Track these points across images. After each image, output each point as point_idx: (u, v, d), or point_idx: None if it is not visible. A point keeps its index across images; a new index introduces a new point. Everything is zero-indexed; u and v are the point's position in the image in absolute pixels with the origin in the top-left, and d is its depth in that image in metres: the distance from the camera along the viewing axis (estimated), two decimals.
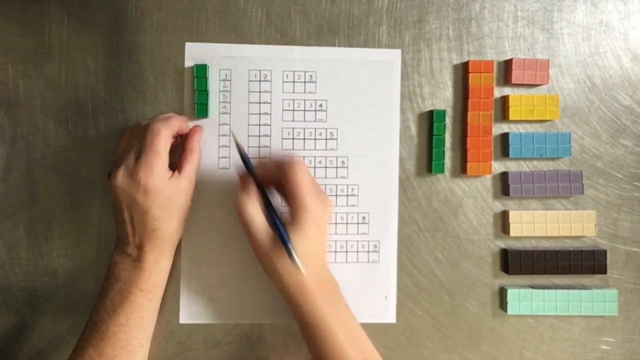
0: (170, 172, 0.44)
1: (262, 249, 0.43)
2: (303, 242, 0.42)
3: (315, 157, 0.51)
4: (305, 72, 0.50)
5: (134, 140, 0.44)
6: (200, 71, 0.49)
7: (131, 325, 0.43)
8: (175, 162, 0.46)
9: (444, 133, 0.51)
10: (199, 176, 0.49)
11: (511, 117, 0.51)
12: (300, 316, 0.44)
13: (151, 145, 0.42)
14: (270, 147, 0.50)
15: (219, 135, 0.50)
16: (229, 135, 0.50)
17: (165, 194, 0.43)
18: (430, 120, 0.51)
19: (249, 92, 0.50)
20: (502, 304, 0.52)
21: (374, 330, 0.51)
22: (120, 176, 0.42)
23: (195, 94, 0.49)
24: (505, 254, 0.51)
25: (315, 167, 0.51)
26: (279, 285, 0.44)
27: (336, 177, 0.51)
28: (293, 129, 0.50)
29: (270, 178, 0.45)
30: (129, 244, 0.45)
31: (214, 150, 0.50)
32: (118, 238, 0.46)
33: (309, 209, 0.42)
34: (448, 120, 0.52)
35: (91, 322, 0.43)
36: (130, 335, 0.43)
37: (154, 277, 0.45)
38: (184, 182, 0.45)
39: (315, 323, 0.43)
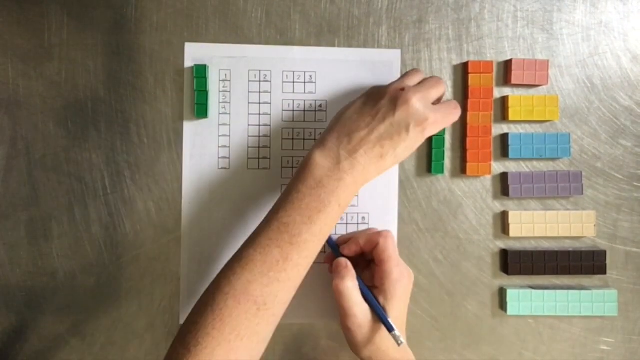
0: None
1: (361, 329, 0.43)
2: (394, 316, 0.43)
3: None
4: (305, 72, 0.50)
5: (437, 84, 0.45)
6: (200, 71, 0.49)
7: (321, 238, 0.41)
8: None
9: (444, 133, 0.51)
10: (199, 176, 0.49)
11: (511, 117, 0.51)
12: None
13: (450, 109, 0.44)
14: (270, 147, 0.50)
15: (219, 136, 0.50)
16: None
17: (419, 143, 0.43)
18: None
19: (249, 92, 0.50)
20: (502, 304, 0.52)
21: None
22: (421, 99, 0.42)
23: (195, 94, 0.49)
24: (505, 254, 0.51)
25: None
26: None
27: None
28: (293, 129, 0.50)
29: (356, 254, 0.46)
30: (344, 152, 0.41)
31: (214, 151, 0.50)
32: (330, 141, 0.42)
33: (400, 281, 0.44)
34: None
35: (277, 222, 0.40)
36: (317, 248, 0.41)
37: (351, 196, 0.42)
38: None
39: None
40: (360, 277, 0.45)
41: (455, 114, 0.45)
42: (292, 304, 0.50)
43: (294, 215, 0.40)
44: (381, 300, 0.44)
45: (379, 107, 0.42)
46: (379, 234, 0.45)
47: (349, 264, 0.45)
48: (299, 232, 0.39)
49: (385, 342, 0.43)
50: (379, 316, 0.43)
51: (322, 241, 0.41)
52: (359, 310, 0.43)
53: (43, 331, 0.49)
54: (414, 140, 0.42)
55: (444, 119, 0.44)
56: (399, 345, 0.42)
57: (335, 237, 0.48)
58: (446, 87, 0.50)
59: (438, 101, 0.46)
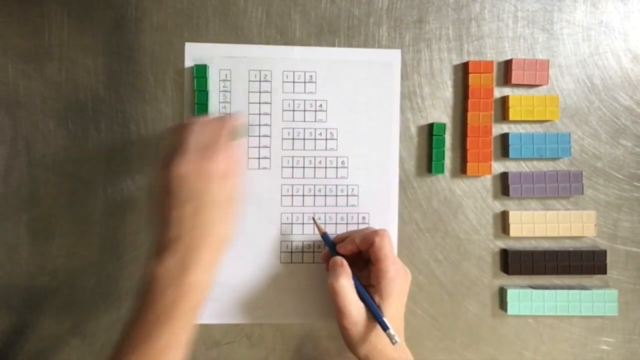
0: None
1: (355, 328, 0.43)
2: (390, 315, 0.43)
3: (315, 157, 0.51)
4: (305, 72, 0.50)
5: (203, 130, 0.41)
6: (200, 71, 0.49)
7: (167, 354, 0.37)
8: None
9: (444, 133, 0.51)
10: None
11: (511, 117, 0.51)
12: None
13: (229, 135, 0.40)
14: (270, 147, 0.50)
15: (313, 224, 0.50)
16: (311, 222, 0.50)
17: (235, 186, 0.40)
18: (431, 123, 0.51)
19: (249, 92, 0.50)
20: (502, 304, 0.52)
21: None
22: (189, 163, 0.38)
23: (195, 94, 0.49)
24: (505, 254, 0.51)
25: (315, 167, 0.51)
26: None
27: (336, 177, 0.51)
28: (293, 129, 0.50)
29: (351, 253, 0.46)
30: (175, 252, 0.38)
31: None
32: (160, 247, 0.38)
33: (396, 279, 0.43)
34: (448, 121, 0.52)
35: (122, 343, 0.37)
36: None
37: (201, 295, 0.39)
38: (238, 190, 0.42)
39: None
40: (356, 276, 0.45)
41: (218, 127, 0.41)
42: (292, 304, 0.50)
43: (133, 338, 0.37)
44: (377, 299, 0.44)
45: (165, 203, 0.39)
46: (375, 232, 0.45)
47: (345, 262, 0.45)
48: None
49: (381, 340, 0.43)
50: (374, 315, 0.43)
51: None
52: (354, 308, 0.43)
53: (43, 331, 0.49)
54: (219, 193, 0.39)
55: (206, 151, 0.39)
56: (393, 343, 0.41)
57: (332, 236, 0.48)
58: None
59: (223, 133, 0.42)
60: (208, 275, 0.39)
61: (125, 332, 0.37)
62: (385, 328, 0.42)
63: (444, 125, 0.51)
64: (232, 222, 0.40)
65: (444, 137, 0.51)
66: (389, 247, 0.44)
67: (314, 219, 0.50)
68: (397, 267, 0.44)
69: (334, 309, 0.44)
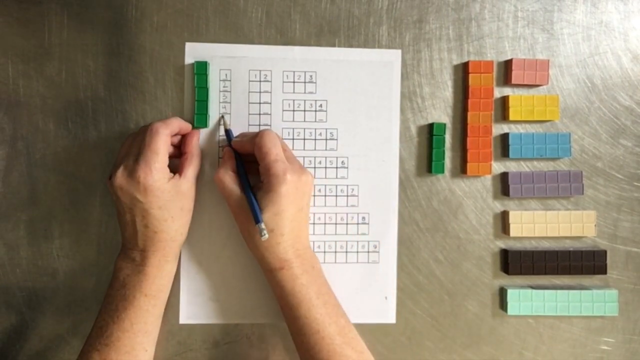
0: (171, 174, 0.44)
1: (239, 216, 0.45)
2: (273, 210, 0.42)
3: (315, 157, 0.51)
4: (305, 72, 0.50)
5: (134, 143, 0.45)
6: (201, 68, 0.49)
7: (135, 331, 0.43)
8: (177, 167, 0.46)
9: (444, 133, 0.51)
10: (200, 175, 0.49)
11: (511, 117, 0.51)
12: (280, 293, 0.45)
13: (149, 144, 0.42)
14: None
15: (219, 136, 0.50)
16: (220, 119, 0.50)
17: (165, 194, 0.43)
18: (431, 123, 0.51)
19: (249, 92, 0.50)
20: (502, 304, 0.52)
21: (374, 330, 0.51)
22: (120, 176, 0.42)
23: (195, 91, 0.49)
24: (505, 254, 0.51)
25: (315, 167, 0.51)
26: (260, 261, 0.45)
27: (336, 177, 0.51)
28: (293, 129, 0.50)
29: (248, 151, 0.46)
30: (132, 248, 0.45)
31: (214, 150, 0.50)
32: (122, 242, 0.46)
33: (279, 176, 0.42)
34: (448, 121, 0.52)
35: (96, 327, 0.43)
36: (134, 341, 0.43)
37: (158, 281, 0.44)
38: (185, 183, 0.45)
39: (295, 301, 0.44)
40: (245, 170, 0.46)
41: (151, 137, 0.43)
42: None
43: (106, 318, 0.43)
44: (259, 195, 0.43)
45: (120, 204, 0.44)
46: (257, 132, 0.45)
47: (231, 154, 0.47)
48: (110, 332, 0.42)
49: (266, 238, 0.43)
50: (250, 206, 0.43)
51: (139, 332, 0.43)
52: (234, 199, 0.44)
53: (43, 331, 0.49)
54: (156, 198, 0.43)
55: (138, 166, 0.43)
56: (261, 237, 0.42)
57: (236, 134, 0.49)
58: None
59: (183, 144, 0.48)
60: (165, 265, 0.45)
61: (97, 317, 0.44)
62: (257, 221, 0.42)
63: (444, 125, 0.51)
64: (173, 222, 0.44)
65: (444, 137, 0.51)
66: (270, 145, 0.43)
67: (222, 115, 0.50)
68: (284, 165, 0.43)
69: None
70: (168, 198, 0.43)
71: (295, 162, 0.46)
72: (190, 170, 0.46)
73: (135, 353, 0.43)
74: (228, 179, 0.45)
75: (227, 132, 0.49)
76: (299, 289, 0.44)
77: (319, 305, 0.44)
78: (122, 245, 0.46)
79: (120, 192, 0.42)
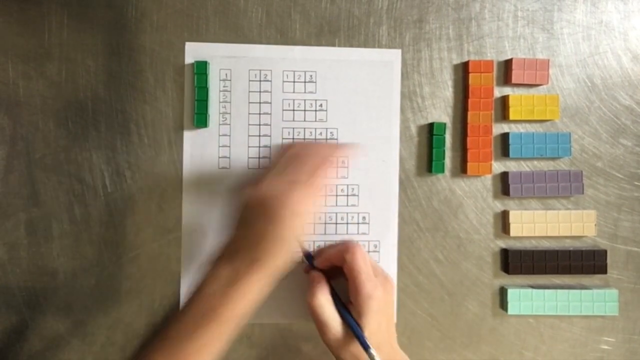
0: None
1: (337, 343, 0.42)
2: (371, 330, 0.42)
3: None
4: (305, 72, 0.50)
5: (304, 159, 0.42)
6: (201, 68, 0.49)
7: (204, 353, 0.38)
8: None
9: (444, 133, 0.51)
10: (199, 176, 0.49)
11: (511, 117, 0.51)
12: None
13: (324, 174, 0.41)
14: (270, 147, 0.50)
15: (219, 136, 0.50)
16: (310, 222, 0.48)
17: (303, 225, 0.40)
18: (431, 123, 0.51)
19: (249, 92, 0.50)
20: (503, 303, 0.52)
21: None
22: (284, 187, 0.39)
23: (195, 91, 0.49)
24: (505, 253, 0.51)
25: None
26: None
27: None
28: (293, 129, 0.50)
29: (331, 267, 0.45)
30: (233, 262, 0.40)
31: (214, 151, 0.50)
32: (225, 252, 0.41)
33: (373, 296, 0.42)
34: (448, 120, 0.52)
35: (162, 338, 0.39)
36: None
37: (247, 306, 0.40)
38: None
39: None
40: (336, 292, 0.44)
41: (321, 169, 0.41)
42: (292, 304, 0.50)
43: (180, 328, 0.39)
44: (355, 315, 0.42)
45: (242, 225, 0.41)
46: (345, 249, 0.44)
47: (322, 278, 0.44)
48: (180, 348, 0.38)
49: (364, 353, 0.42)
50: (354, 333, 0.42)
51: (206, 354, 0.39)
52: (332, 324, 0.42)
53: (43, 331, 0.49)
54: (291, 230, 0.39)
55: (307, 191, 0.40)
56: None
57: (315, 253, 0.48)
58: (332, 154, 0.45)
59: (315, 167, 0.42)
60: (256, 294, 0.40)
61: (169, 325, 0.39)
62: (365, 348, 0.41)
63: (444, 124, 0.51)
64: (289, 255, 0.40)
65: (444, 137, 0.51)
66: (361, 263, 0.43)
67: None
68: (374, 282, 0.43)
69: (315, 325, 0.43)
70: (295, 234, 0.40)
71: (378, 272, 0.45)
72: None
73: None
74: (327, 304, 0.43)
75: (307, 255, 0.47)
76: None
77: None
78: (222, 255, 0.41)
79: (262, 207, 0.39)
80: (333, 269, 0.46)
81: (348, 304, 0.44)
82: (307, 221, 0.40)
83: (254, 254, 0.39)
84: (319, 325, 0.43)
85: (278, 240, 0.39)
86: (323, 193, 0.40)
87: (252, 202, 0.40)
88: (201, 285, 0.40)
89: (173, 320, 0.39)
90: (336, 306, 0.43)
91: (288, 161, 0.42)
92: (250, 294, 0.39)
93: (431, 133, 0.51)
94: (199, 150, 0.50)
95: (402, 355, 0.46)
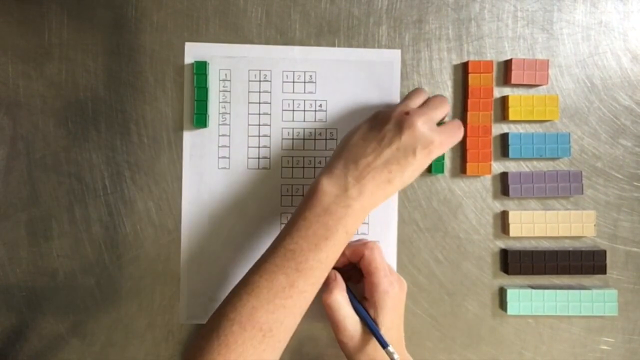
0: None
1: (353, 342, 0.43)
2: (386, 327, 0.42)
3: (315, 157, 0.51)
4: (305, 72, 0.50)
5: (441, 104, 0.45)
6: (200, 68, 0.49)
7: (327, 265, 0.41)
8: None
9: None
10: (199, 176, 0.49)
11: (511, 117, 0.51)
12: None
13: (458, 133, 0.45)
14: (270, 147, 0.50)
15: (219, 136, 0.50)
16: None
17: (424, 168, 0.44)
18: None
19: (249, 92, 0.50)
20: (502, 304, 0.52)
21: None
22: (425, 120, 0.42)
23: (195, 91, 0.49)
24: (505, 254, 0.51)
25: (315, 167, 0.51)
26: None
27: None
28: (293, 129, 0.50)
29: (345, 265, 0.46)
30: (352, 177, 0.41)
31: (214, 151, 0.50)
32: (337, 167, 0.42)
33: (389, 292, 0.43)
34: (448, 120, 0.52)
35: (284, 248, 0.40)
36: (324, 275, 0.41)
37: (358, 222, 0.42)
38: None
39: None
40: (351, 289, 0.44)
41: (459, 134, 0.46)
42: None
43: (301, 242, 0.40)
44: (372, 312, 0.43)
45: (385, 132, 0.42)
46: (364, 245, 0.44)
47: (338, 276, 0.44)
48: (305, 259, 0.39)
49: (380, 353, 0.42)
50: (372, 331, 0.42)
51: (328, 268, 0.41)
52: (349, 323, 0.42)
53: (43, 331, 0.49)
54: (420, 164, 0.42)
55: (449, 140, 0.44)
56: None
57: None
58: (450, 107, 0.50)
59: (442, 120, 0.47)
60: (370, 208, 0.42)
61: (287, 237, 0.41)
62: (384, 345, 0.41)
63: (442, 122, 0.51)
64: (393, 192, 0.43)
65: None
66: (380, 260, 0.44)
67: None
68: (390, 279, 0.43)
69: (330, 323, 0.43)
70: (418, 172, 0.44)
71: (392, 271, 0.46)
72: None
73: (318, 287, 0.41)
74: (344, 303, 0.43)
75: None
76: None
77: None
78: (334, 169, 0.42)
79: (420, 134, 0.41)
80: (346, 270, 0.46)
81: (363, 302, 0.44)
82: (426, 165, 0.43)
83: (376, 178, 0.41)
84: (336, 323, 0.43)
85: (406, 174, 0.42)
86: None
87: (399, 126, 0.42)
88: (321, 196, 0.41)
89: (289, 235, 0.40)
90: (352, 304, 0.43)
91: (414, 98, 0.46)
92: (368, 206, 0.41)
93: None
94: (199, 150, 0.50)
95: (407, 356, 0.46)
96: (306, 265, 0.39)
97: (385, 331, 0.42)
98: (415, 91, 0.47)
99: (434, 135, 0.42)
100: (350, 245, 0.45)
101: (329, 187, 0.41)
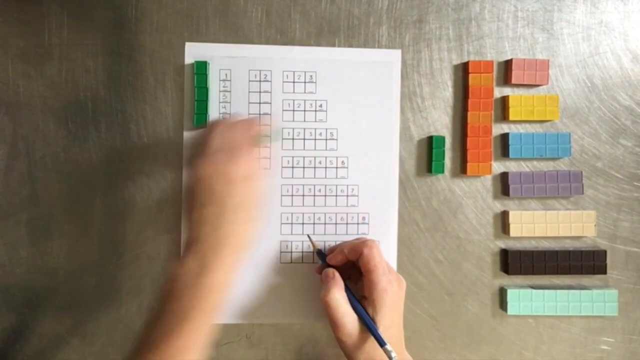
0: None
1: (351, 340, 0.42)
2: (385, 325, 0.42)
3: (315, 157, 0.51)
4: (305, 72, 0.50)
5: (228, 131, 0.43)
6: (201, 68, 0.49)
7: (188, 351, 0.37)
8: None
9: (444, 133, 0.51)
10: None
11: (511, 117, 0.51)
12: None
13: (253, 138, 0.42)
14: (270, 147, 0.50)
15: (309, 241, 0.50)
16: (312, 222, 0.50)
17: (258, 188, 0.41)
18: (430, 136, 0.51)
19: (249, 92, 0.50)
20: (502, 304, 0.52)
21: None
22: (212, 164, 0.40)
23: (195, 91, 0.49)
24: (505, 254, 0.51)
25: (315, 167, 0.51)
26: None
27: (336, 177, 0.51)
28: (293, 129, 0.50)
29: (343, 265, 0.46)
30: (196, 252, 0.39)
31: None
32: (186, 248, 0.40)
33: (388, 290, 0.42)
34: (448, 120, 0.52)
35: (145, 343, 0.37)
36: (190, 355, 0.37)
37: (217, 296, 0.39)
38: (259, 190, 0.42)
39: None
40: (349, 288, 0.44)
41: (242, 131, 0.42)
42: (292, 304, 0.50)
43: (155, 333, 0.37)
44: (370, 310, 0.43)
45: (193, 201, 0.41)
46: (363, 243, 0.44)
47: (337, 274, 0.45)
48: (163, 349, 0.36)
49: (378, 351, 0.42)
50: (369, 329, 0.42)
51: (189, 351, 0.37)
52: (348, 321, 0.42)
53: (43, 331, 0.49)
54: (244, 194, 0.40)
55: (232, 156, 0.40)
56: (392, 359, 0.40)
57: (329, 244, 0.49)
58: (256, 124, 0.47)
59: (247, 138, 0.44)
60: (227, 277, 0.40)
61: (145, 331, 0.38)
62: (382, 344, 0.41)
63: (443, 138, 0.51)
64: (253, 224, 0.41)
65: (444, 137, 0.51)
66: (379, 258, 0.43)
67: (309, 236, 0.50)
68: (389, 277, 0.43)
69: (329, 322, 0.43)
70: (256, 195, 0.41)
71: (391, 269, 0.45)
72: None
73: None
74: (343, 301, 0.43)
75: (319, 252, 0.48)
76: None
77: None
78: (184, 252, 0.40)
79: (213, 180, 0.39)
80: (345, 269, 0.46)
81: (362, 300, 0.44)
82: (258, 185, 0.40)
83: (216, 237, 0.39)
84: (334, 322, 0.43)
85: (238, 211, 0.39)
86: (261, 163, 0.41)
87: (199, 185, 0.39)
88: (170, 285, 0.38)
89: (152, 325, 0.38)
90: (351, 302, 0.43)
91: (217, 138, 0.42)
92: (222, 278, 0.39)
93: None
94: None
95: (407, 356, 0.46)
96: (165, 355, 0.36)
97: (383, 330, 0.42)
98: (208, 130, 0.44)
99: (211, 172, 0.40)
100: (349, 243, 0.45)
101: (176, 270, 0.39)
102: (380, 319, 0.42)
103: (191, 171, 0.41)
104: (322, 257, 0.47)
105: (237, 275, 0.40)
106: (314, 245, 0.49)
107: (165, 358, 0.36)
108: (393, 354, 0.40)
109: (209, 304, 0.38)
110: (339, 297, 0.43)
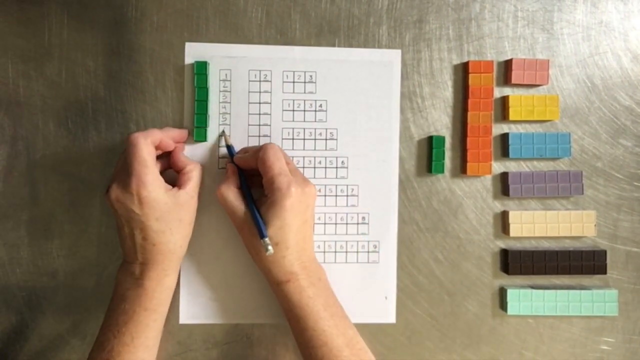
0: (169, 186, 0.44)
1: (243, 232, 0.45)
2: (277, 224, 0.43)
3: (315, 157, 0.51)
4: (305, 72, 0.50)
5: (125, 153, 0.44)
6: (201, 68, 0.49)
7: (136, 345, 0.42)
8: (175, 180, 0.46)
9: (444, 133, 0.51)
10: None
11: (511, 117, 0.51)
12: (287, 306, 0.44)
13: (134, 156, 0.42)
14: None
15: (219, 136, 0.50)
16: (220, 134, 0.50)
17: (162, 206, 0.43)
18: (430, 136, 0.51)
19: (249, 92, 0.50)
20: (502, 304, 0.52)
21: (374, 330, 0.51)
22: (115, 189, 0.42)
23: (195, 91, 0.49)
24: (505, 254, 0.51)
25: (315, 167, 0.51)
26: (266, 274, 0.45)
27: (336, 177, 0.51)
28: (293, 129, 0.50)
29: (251, 166, 0.46)
30: (131, 262, 0.44)
31: (214, 151, 0.50)
32: (123, 256, 0.46)
33: (282, 189, 0.43)
34: (448, 120, 0.52)
35: (97, 342, 0.43)
36: (135, 355, 0.42)
37: (157, 295, 0.44)
38: (183, 195, 0.44)
39: (302, 314, 0.43)
40: (248, 186, 0.46)
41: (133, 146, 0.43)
42: None
43: (107, 332, 0.43)
44: (263, 209, 0.44)
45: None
46: (262, 146, 0.45)
47: (235, 171, 0.47)
48: (111, 347, 0.42)
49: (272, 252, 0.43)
50: (255, 222, 0.43)
51: (139, 347, 0.43)
52: (238, 212, 0.44)
53: (43, 331, 0.49)
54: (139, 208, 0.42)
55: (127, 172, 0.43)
56: (266, 253, 0.42)
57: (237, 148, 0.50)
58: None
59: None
60: (160, 284, 0.44)
61: (97, 336, 0.43)
62: (261, 236, 0.42)
63: (443, 138, 0.51)
64: (176, 233, 0.44)
65: (444, 137, 0.51)
66: (274, 159, 0.43)
67: (224, 131, 0.50)
68: (288, 179, 0.43)
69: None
70: (165, 210, 0.43)
71: (298, 174, 0.46)
72: (190, 184, 0.45)
73: None
74: (231, 195, 0.45)
75: (229, 147, 0.49)
76: (306, 301, 0.44)
77: (326, 317, 0.43)
78: (123, 258, 0.46)
79: (117, 205, 0.42)
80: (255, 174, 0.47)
81: (262, 198, 0.45)
82: (161, 197, 0.43)
83: (140, 250, 0.43)
84: (227, 212, 0.46)
85: (150, 221, 0.42)
86: (150, 166, 0.42)
87: (112, 205, 0.43)
88: (114, 290, 0.45)
89: (100, 330, 0.43)
90: (247, 198, 0.45)
91: (121, 157, 0.46)
92: (157, 285, 0.44)
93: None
94: (199, 150, 0.50)
95: (317, 265, 0.47)
96: (113, 352, 0.42)
97: (275, 230, 0.43)
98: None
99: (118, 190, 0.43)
100: (253, 150, 0.46)
101: (119, 275, 0.46)
102: (271, 218, 0.43)
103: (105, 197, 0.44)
104: (230, 154, 0.49)
105: (176, 278, 0.47)
106: (226, 140, 0.49)
107: (116, 353, 0.42)
108: (269, 248, 0.42)
109: (152, 302, 0.43)
110: (227, 190, 0.45)
